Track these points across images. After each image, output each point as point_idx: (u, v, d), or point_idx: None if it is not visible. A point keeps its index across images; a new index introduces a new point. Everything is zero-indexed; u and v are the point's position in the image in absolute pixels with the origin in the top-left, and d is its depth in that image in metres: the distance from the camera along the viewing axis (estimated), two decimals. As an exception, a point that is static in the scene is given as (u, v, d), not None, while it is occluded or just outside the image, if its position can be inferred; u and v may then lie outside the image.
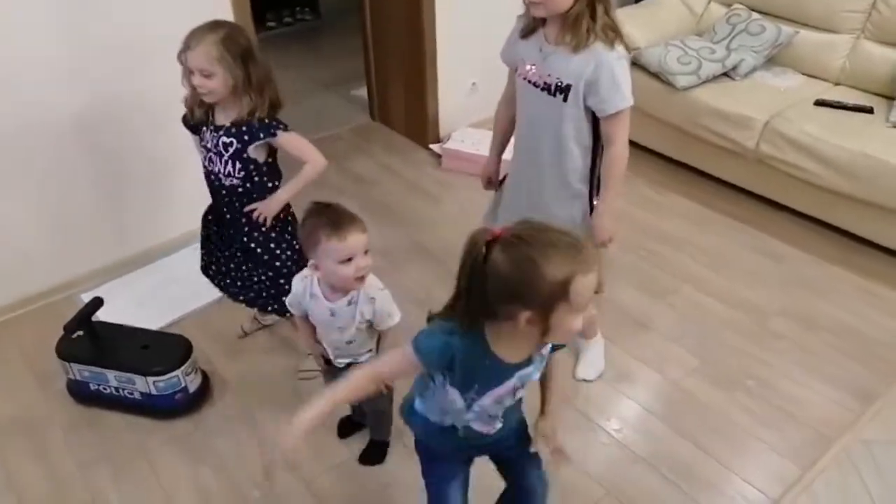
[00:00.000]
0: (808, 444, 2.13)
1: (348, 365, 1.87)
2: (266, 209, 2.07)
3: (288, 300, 1.83)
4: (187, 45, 1.87)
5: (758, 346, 2.49)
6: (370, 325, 1.78)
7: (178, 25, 1.91)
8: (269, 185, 2.09)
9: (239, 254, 2.20)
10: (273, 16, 5.52)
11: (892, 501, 1.95)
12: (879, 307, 2.66)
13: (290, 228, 2.16)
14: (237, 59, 1.87)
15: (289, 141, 2.00)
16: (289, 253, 2.16)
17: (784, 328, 2.57)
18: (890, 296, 2.71)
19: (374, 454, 2.11)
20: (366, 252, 1.65)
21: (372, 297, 1.72)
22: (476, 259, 1.14)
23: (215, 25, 1.90)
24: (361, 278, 1.68)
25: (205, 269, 2.34)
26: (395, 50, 3.72)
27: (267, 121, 1.96)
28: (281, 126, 1.98)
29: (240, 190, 2.05)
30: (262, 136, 1.96)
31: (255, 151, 2.00)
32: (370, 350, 1.85)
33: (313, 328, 1.85)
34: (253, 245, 2.14)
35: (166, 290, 2.76)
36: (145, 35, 2.53)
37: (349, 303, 1.72)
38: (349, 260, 1.62)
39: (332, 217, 1.62)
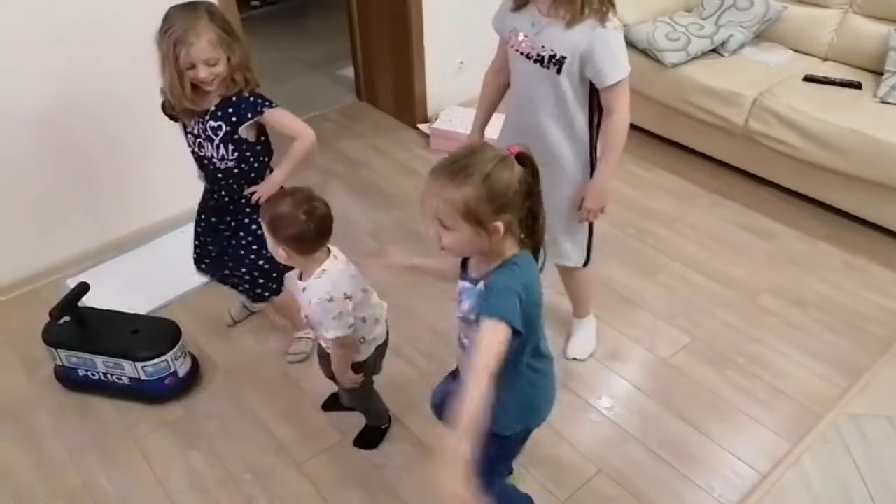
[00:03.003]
0: (797, 418, 2.15)
1: (327, 346, 1.85)
2: (265, 192, 2.02)
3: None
4: (186, 40, 1.75)
5: (747, 323, 2.50)
6: None
7: (147, 3, 1.84)
8: (265, 161, 2.06)
9: (232, 240, 2.15)
10: (257, -5, 5.44)
11: (879, 473, 1.98)
12: (866, 282, 2.68)
13: None
14: (231, 36, 1.83)
15: (276, 117, 1.95)
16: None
17: (773, 304, 2.58)
18: (876, 271, 2.73)
19: (367, 439, 2.10)
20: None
21: (310, 298, 1.67)
22: (533, 174, 1.28)
23: (193, 7, 1.81)
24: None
25: (197, 262, 2.28)
26: (381, 29, 3.67)
27: (252, 99, 1.92)
28: (267, 103, 1.94)
29: (235, 171, 2.01)
30: (250, 115, 1.92)
31: (246, 131, 1.95)
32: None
33: None
34: (243, 229, 2.11)
35: (154, 274, 2.73)
36: (112, 14, 2.48)
37: (304, 289, 1.70)
38: None
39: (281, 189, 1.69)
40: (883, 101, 2.91)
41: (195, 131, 1.97)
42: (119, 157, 2.75)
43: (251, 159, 2.01)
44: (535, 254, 1.38)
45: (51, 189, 2.64)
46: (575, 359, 2.34)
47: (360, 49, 3.88)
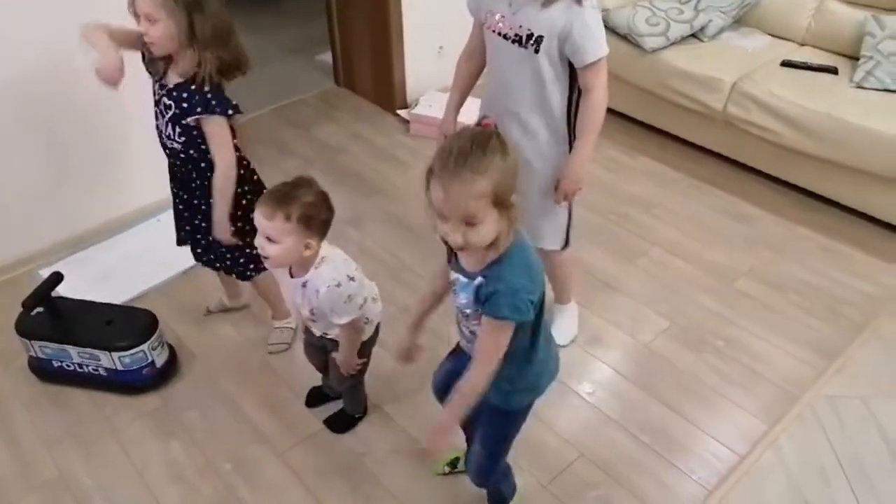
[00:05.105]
0: (775, 401, 2.18)
1: (323, 336, 1.84)
2: (222, 235, 1.99)
3: None
4: None
5: (726, 307, 2.52)
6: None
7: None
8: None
9: (203, 222, 2.10)
10: (232, -22, 5.33)
11: (853, 453, 2.01)
12: (842, 266, 2.71)
13: (244, 201, 2.03)
14: (180, 5, 1.73)
15: (212, 128, 1.85)
16: (239, 225, 2.03)
17: (751, 289, 2.61)
18: (852, 255, 2.77)
19: (340, 423, 2.09)
20: (269, 239, 1.57)
21: (317, 289, 1.65)
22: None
23: None
24: (266, 258, 1.62)
25: (179, 242, 2.23)
26: (360, 13, 3.62)
27: (209, 97, 1.81)
28: (219, 108, 1.83)
29: (182, 155, 1.94)
30: (199, 110, 1.82)
31: (195, 121, 1.87)
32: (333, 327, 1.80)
33: None
34: (206, 210, 2.04)
35: (129, 264, 2.69)
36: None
37: (304, 285, 1.68)
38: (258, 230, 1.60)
39: (274, 188, 1.60)
40: (859, 87, 2.93)
41: (156, 97, 1.91)
42: (93, 146, 2.70)
43: (202, 147, 1.91)
44: None
45: (24, 178, 2.58)
46: (557, 344, 2.34)
47: (338, 34, 3.83)
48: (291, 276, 1.71)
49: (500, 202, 1.19)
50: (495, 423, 1.57)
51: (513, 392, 1.48)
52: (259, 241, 1.60)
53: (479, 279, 1.29)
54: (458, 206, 1.18)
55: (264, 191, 1.86)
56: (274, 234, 1.56)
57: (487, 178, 1.16)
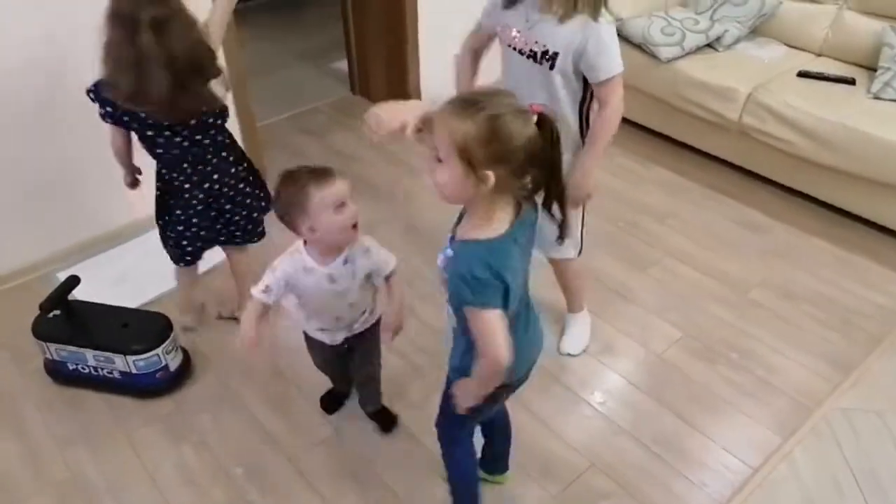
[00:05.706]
0: (788, 413, 2.16)
1: (346, 339, 1.84)
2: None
3: (273, 282, 1.69)
4: None
5: (739, 318, 2.51)
6: (367, 279, 1.77)
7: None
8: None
9: None
10: (249, -14, 5.39)
11: (869, 467, 1.99)
12: (857, 278, 2.68)
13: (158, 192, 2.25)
14: (108, 15, 1.79)
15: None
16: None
17: (765, 299, 2.59)
18: (868, 266, 2.74)
19: (387, 420, 2.11)
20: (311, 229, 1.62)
21: (367, 247, 1.72)
22: (552, 141, 1.23)
23: None
24: (356, 226, 1.65)
25: None
26: (375, 21, 3.65)
27: (95, 83, 1.92)
28: (97, 100, 1.96)
29: None
30: (89, 90, 1.94)
31: None
32: (364, 311, 1.83)
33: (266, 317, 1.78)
34: None
35: (144, 268, 2.71)
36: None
37: (345, 262, 1.69)
38: (342, 205, 1.60)
39: (310, 172, 1.61)
40: (876, 97, 2.91)
41: None
42: (109, 150, 2.71)
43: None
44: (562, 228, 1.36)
45: (42, 181, 2.61)
46: (568, 354, 2.34)
47: (353, 42, 3.86)
48: (323, 266, 1.69)
49: (467, 158, 1.17)
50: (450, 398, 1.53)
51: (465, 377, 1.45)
52: (354, 207, 1.65)
53: (449, 251, 1.32)
54: (434, 129, 1.22)
55: (300, 179, 1.84)
56: (349, 194, 1.64)
57: (461, 123, 1.16)
